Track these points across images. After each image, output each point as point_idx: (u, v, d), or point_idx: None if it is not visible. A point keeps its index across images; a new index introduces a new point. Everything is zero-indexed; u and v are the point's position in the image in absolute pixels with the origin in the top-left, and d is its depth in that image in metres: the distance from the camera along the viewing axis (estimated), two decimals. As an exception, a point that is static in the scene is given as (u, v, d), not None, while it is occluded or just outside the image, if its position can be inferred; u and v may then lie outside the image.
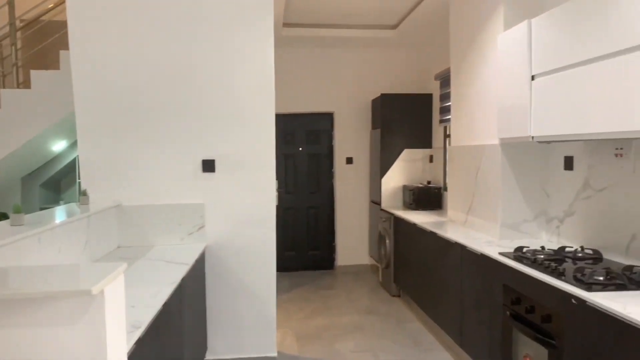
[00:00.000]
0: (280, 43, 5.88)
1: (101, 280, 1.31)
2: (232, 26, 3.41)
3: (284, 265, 6.38)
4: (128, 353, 1.55)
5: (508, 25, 3.30)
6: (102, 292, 1.30)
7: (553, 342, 2.32)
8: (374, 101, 6.03)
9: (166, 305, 2.21)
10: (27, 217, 2.53)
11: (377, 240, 5.73)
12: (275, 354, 3.55)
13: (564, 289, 2.21)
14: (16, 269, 1.53)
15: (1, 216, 4.45)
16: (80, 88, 3.35)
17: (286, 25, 5.45)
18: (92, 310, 1.30)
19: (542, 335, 2.41)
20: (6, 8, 4.77)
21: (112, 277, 1.38)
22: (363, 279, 6.01)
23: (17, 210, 2.22)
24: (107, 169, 3.40)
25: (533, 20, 2.83)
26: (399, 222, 4.97)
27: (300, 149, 6.41)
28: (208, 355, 3.51)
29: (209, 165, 3.48)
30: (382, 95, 5.61)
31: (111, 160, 3.40)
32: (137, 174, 3.42)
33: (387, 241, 5.30)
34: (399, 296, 5.22)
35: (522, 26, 2.93)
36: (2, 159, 4.47)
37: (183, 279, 2.62)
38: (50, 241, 2.38)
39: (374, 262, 6.29)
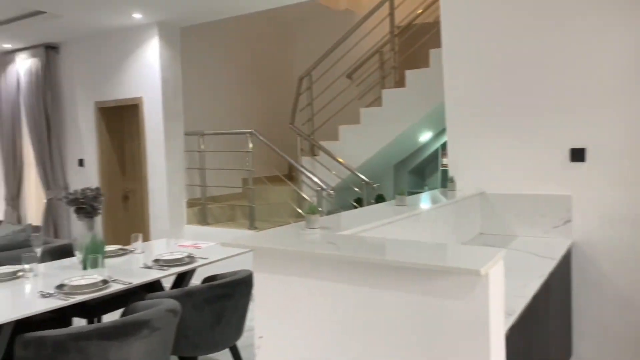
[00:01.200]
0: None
1: (487, 262, 1.37)
2: (603, 3, 3.02)
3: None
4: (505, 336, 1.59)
5: None
6: (487, 274, 1.37)
7: None
8: None
9: (535, 299, 2.17)
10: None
11: None
12: (657, 378, 3.02)
13: None
14: (410, 243, 1.76)
15: (379, 198, 5.23)
16: (451, 83, 3.59)
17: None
18: (478, 290, 1.38)
19: None
20: (387, 20, 5.53)
21: (495, 261, 1.43)
22: None
23: (402, 193, 2.57)
24: (472, 157, 3.54)
25: None
26: None
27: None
28: (571, 360, 3.28)
29: (578, 155, 3.20)
30: None
31: (476, 149, 3.52)
32: (501, 163, 3.44)
33: None
34: None
35: None
36: (382, 149, 5.24)
37: (550, 274, 2.50)
38: (425, 221, 2.66)
39: None
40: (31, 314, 2.28)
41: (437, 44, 4.27)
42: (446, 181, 3.55)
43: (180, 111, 5.45)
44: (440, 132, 5.82)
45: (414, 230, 2.55)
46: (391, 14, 5.51)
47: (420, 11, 5.77)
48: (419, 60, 5.25)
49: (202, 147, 5.53)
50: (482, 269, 1.33)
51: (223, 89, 6.40)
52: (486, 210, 3.50)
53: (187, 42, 5.59)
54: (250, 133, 5.20)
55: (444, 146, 6.09)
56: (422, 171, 6.64)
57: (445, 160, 6.11)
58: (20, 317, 2.23)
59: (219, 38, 6.27)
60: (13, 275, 2.81)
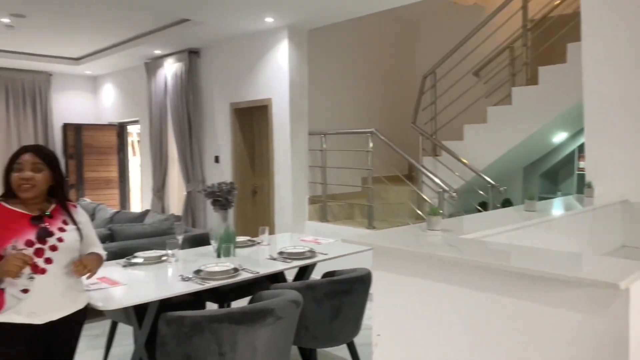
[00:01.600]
0: None
1: (628, 276, 1.26)
2: None
3: None
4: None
5: None
6: (627, 289, 1.26)
7: None
8: None
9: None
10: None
11: None
12: None
13: None
14: (538, 250, 1.67)
15: (506, 202, 4.95)
16: (591, 79, 3.29)
17: None
18: (616, 305, 1.27)
19: None
20: (519, 13, 5.22)
21: (638, 275, 1.31)
22: None
23: (531, 198, 2.42)
24: (613, 161, 3.22)
25: None
26: None
27: None
28: None
29: None
30: None
31: (619, 152, 3.20)
32: (649, 168, 3.09)
33: None
34: None
35: None
36: (510, 150, 4.97)
37: None
38: (558, 229, 2.49)
39: None
40: (173, 295, 2.55)
41: (575, 37, 3.94)
42: (582, 187, 3.28)
43: (305, 111, 5.67)
44: (577, 132, 5.35)
45: (544, 238, 2.39)
46: (524, 7, 5.19)
47: (557, 2, 5.36)
48: (555, 55, 4.88)
49: (324, 146, 5.70)
50: (622, 282, 1.22)
51: (345, 88, 6.53)
52: (630, 221, 3.16)
53: (312, 43, 5.79)
54: (371, 132, 5.24)
55: (581, 148, 5.58)
56: (555, 175, 6.15)
57: (582, 164, 5.59)
58: (164, 297, 2.50)
59: (342, 38, 6.41)
60: (158, 260, 3.15)
